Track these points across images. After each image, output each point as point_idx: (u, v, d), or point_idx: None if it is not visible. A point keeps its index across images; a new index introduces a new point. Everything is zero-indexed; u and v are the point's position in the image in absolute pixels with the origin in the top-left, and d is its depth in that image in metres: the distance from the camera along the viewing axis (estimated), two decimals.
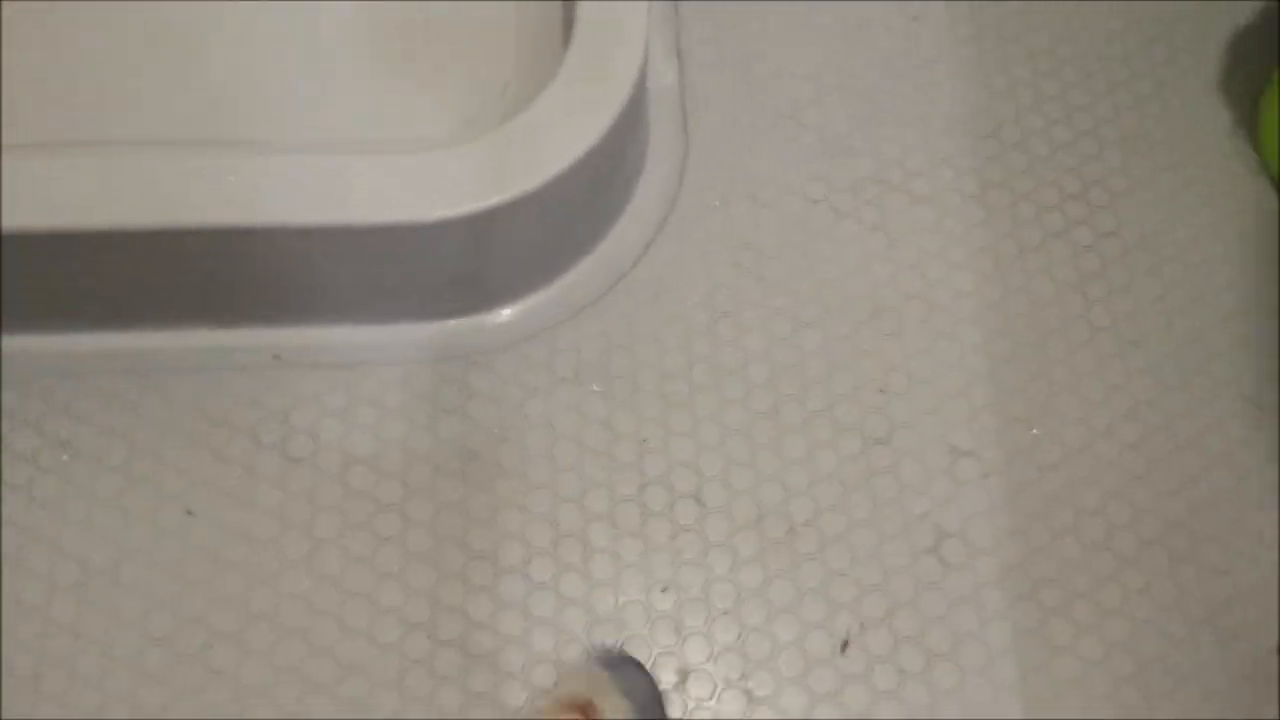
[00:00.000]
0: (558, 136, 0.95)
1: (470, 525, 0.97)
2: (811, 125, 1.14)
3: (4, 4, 0.91)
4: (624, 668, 0.90)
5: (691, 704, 0.91)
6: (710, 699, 0.92)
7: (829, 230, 1.10)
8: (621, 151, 1.03)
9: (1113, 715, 0.92)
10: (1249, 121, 1.15)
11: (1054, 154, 1.14)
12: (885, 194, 1.11)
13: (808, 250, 1.09)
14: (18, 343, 1.02)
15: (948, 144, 1.14)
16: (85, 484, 0.98)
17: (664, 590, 0.95)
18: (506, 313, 1.07)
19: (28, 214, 0.90)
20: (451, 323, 1.06)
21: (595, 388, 1.02)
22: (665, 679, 0.92)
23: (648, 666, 0.92)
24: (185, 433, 1.00)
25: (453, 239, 0.96)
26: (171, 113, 1.09)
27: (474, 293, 1.05)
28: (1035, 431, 1.02)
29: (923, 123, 1.15)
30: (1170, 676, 0.93)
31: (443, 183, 0.93)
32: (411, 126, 1.10)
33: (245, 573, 0.95)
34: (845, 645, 0.94)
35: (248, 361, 1.03)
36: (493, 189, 0.93)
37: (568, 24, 1.03)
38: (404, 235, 0.95)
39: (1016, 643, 0.94)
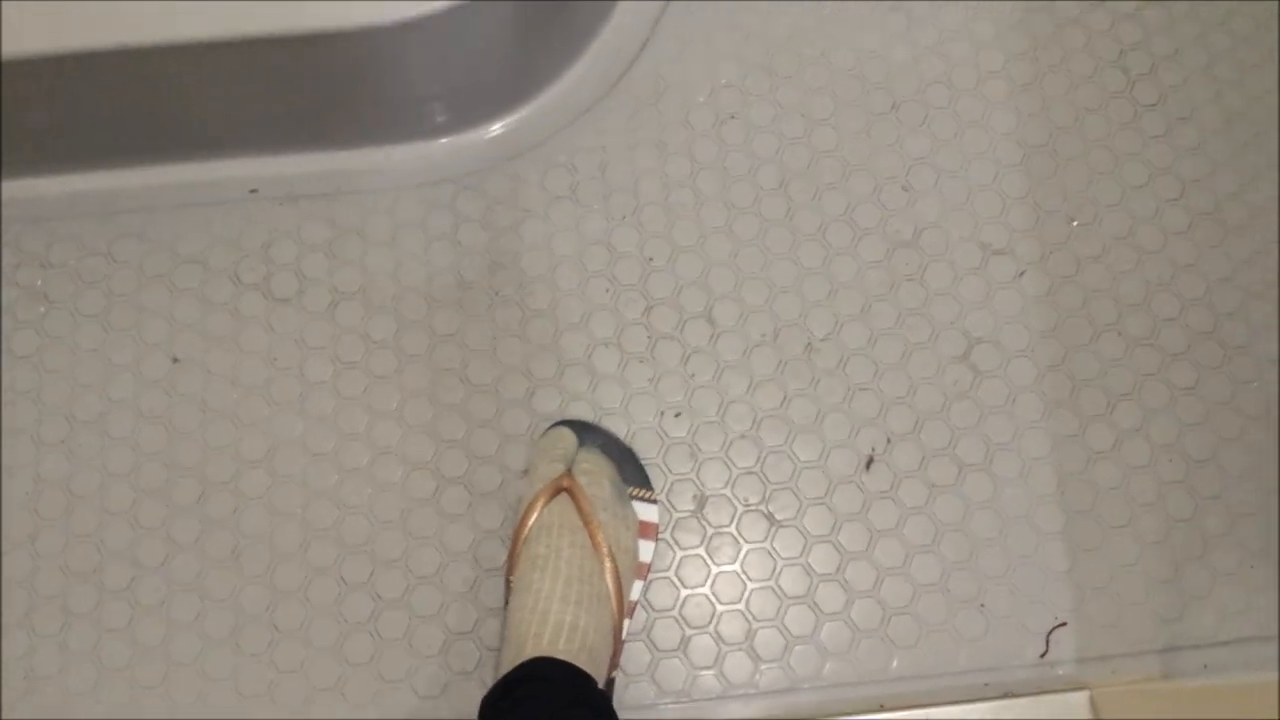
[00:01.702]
0: None
1: (469, 357, 0.91)
2: None
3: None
4: (580, 428, 0.86)
5: (710, 530, 0.87)
6: (730, 524, 0.87)
7: (841, 11, 0.99)
8: None
9: (1159, 521, 0.87)
10: None
11: None
12: None
13: (818, 36, 0.99)
14: None
15: None
16: (65, 335, 0.93)
17: (677, 415, 0.90)
18: (495, 128, 0.98)
19: None
20: (437, 142, 0.98)
21: (594, 204, 0.95)
22: (681, 506, 0.88)
23: (663, 495, 0.88)
24: (163, 276, 0.94)
25: (425, 42, 0.87)
26: None
27: (459, 107, 0.97)
28: (1074, 223, 0.94)
29: None
30: (1222, 477, 0.88)
31: None
32: None
33: (236, 419, 0.90)
34: (870, 462, 0.88)
35: (222, 196, 0.97)
36: None
37: None
38: (373, 41, 0.86)
39: (1054, 450, 0.88)
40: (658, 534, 0.86)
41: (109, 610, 0.86)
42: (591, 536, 0.78)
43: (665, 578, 0.86)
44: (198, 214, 0.96)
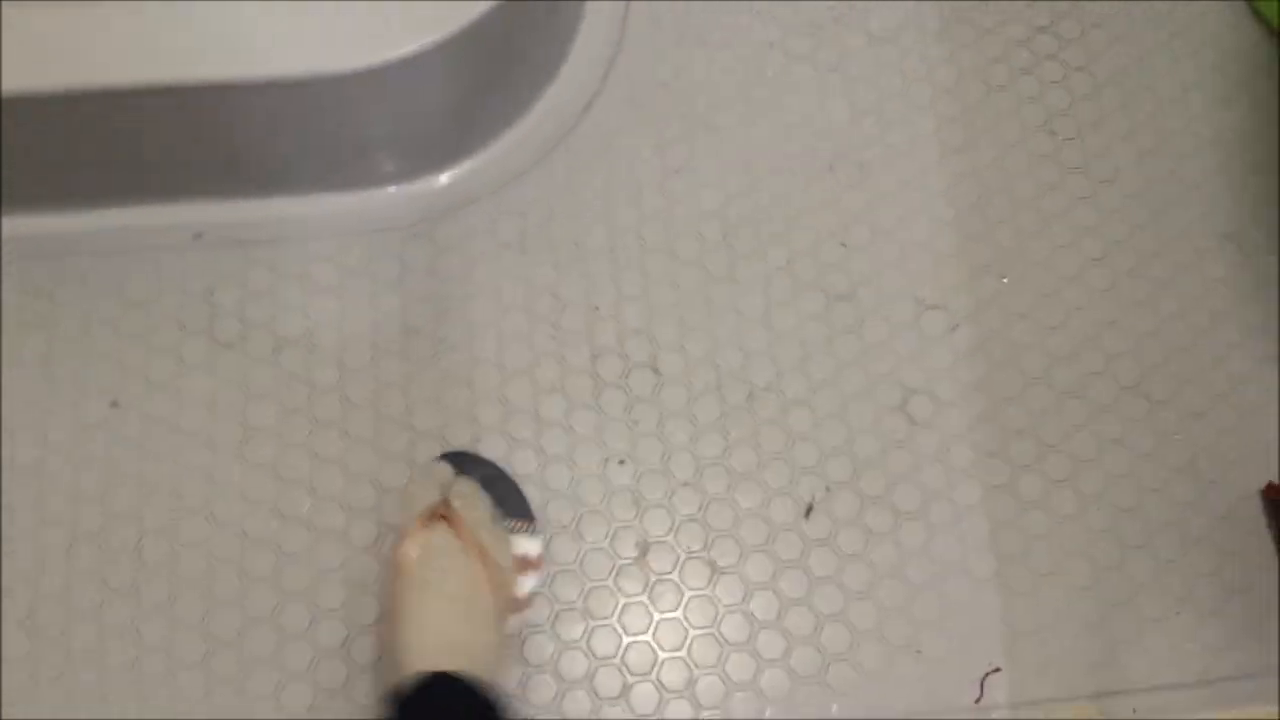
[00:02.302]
0: None
1: (414, 404, 0.92)
2: None
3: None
4: (463, 459, 0.87)
5: (653, 578, 0.88)
6: (672, 571, 0.88)
7: (783, 74, 1.02)
8: None
9: (1087, 568, 0.89)
10: None
11: None
12: (842, 33, 1.04)
13: (762, 97, 1.02)
14: None
15: None
16: (4, 378, 0.91)
17: (621, 463, 0.91)
18: (443, 178, 1.00)
19: None
20: (385, 191, 0.99)
21: (542, 254, 0.96)
22: (624, 553, 0.89)
23: (606, 541, 0.88)
24: (106, 320, 0.94)
25: (371, 93, 0.88)
26: None
27: (406, 156, 0.98)
28: (1004, 279, 0.97)
29: None
30: (1147, 526, 0.91)
31: (357, 30, 0.85)
32: None
33: (175, 464, 0.90)
34: (809, 510, 0.90)
35: (167, 241, 0.96)
36: (409, 34, 0.85)
37: None
38: (318, 89, 0.87)
39: (986, 499, 0.91)
40: (540, 565, 0.86)
41: (44, 657, 0.85)
42: (473, 561, 0.78)
43: (608, 625, 0.87)
44: (144, 258, 0.96)
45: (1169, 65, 1.03)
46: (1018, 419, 0.93)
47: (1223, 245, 0.98)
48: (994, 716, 0.86)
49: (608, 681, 0.85)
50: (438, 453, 0.90)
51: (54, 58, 0.83)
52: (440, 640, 0.74)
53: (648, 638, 0.87)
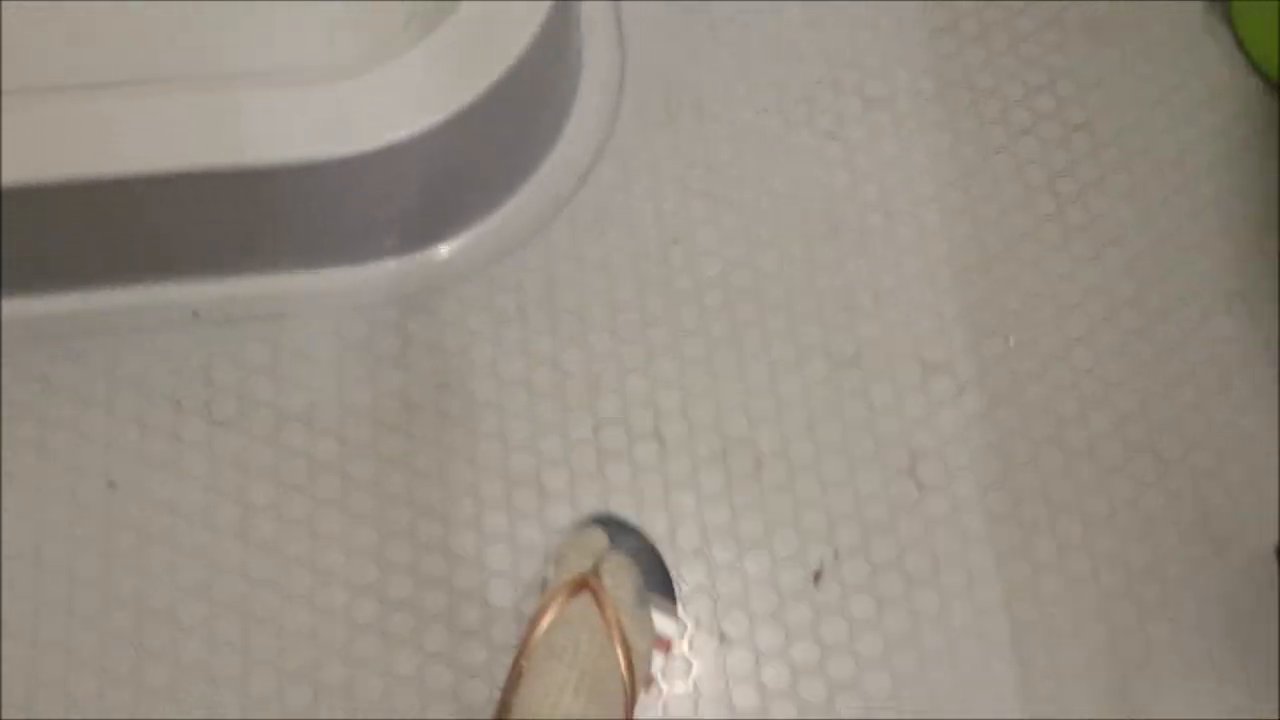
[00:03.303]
0: (476, 55, 0.87)
1: (415, 481, 0.91)
2: (756, 29, 1.06)
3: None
4: (616, 527, 0.86)
5: (663, 654, 0.86)
6: (682, 642, 0.86)
7: (781, 141, 1.03)
8: (551, 65, 0.96)
9: (1103, 632, 0.87)
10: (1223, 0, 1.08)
11: (1016, 45, 1.06)
12: (838, 100, 1.04)
13: (760, 164, 1.02)
14: None
15: (901, 42, 1.06)
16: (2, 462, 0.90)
17: None
18: (443, 250, 0.99)
19: None
20: (383, 264, 0.99)
21: (542, 326, 0.96)
22: None
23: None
24: (101, 401, 0.93)
25: (373, 174, 0.89)
26: (53, 56, 1.00)
27: (405, 231, 0.98)
28: (1010, 341, 0.96)
29: (874, 21, 1.07)
30: (1163, 587, 0.89)
31: (355, 114, 0.86)
32: (312, 54, 1.01)
33: (174, 546, 0.88)
34: (818, 576, 0.88)
35: (163, 320, 0.96)
36: (409, 117, 0.85)
37: None
38: (319, 173, 0.87)
39: (999, 563, 0.89)
40: (669, 649, 0.85)
41: None
42: (610, 638, 0.77)
43: None
44: (138, 338, 0.95)
45: (1169, 122, 1.04)
46: (1028, 481, 0.91)
47: (1230, 303, 0.97)
48: None
49: None
50: (440, 531, 0.88)
51: (53, 147, 0.84)
52: (555, 713, 0.72)
53: (658, 713, 0.84)
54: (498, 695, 0.83)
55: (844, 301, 0.97)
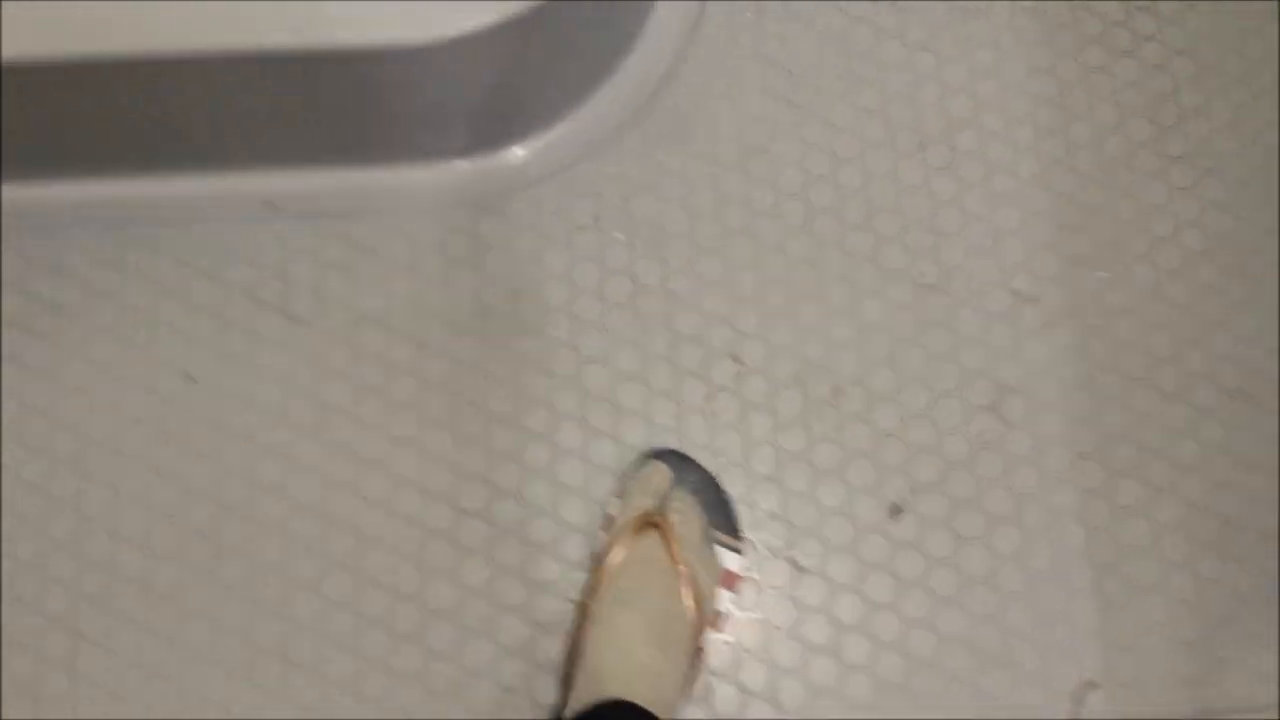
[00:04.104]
0: None
1: (490, 387, 0.90)
2: None
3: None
4: (679, 462, 0.85)
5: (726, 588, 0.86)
6: (753, 569, 0.86)
7: (870, 50, 0.98)
8: None
9: (1189, 582, 0.86)
10: None
11: None
12: (932, 8, 0.99)
13: (847, 74, 0.98)
14: None
15: None
16: (78, 348, 0.90)
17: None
18: (519, 151, 0.97)
19: None
20: (459, 164, 0.97)
21: (618, 235, 0.93)
22: None
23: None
24: (177, 291, 0.92)
25: (447, 65, 0.85)
26: None
27: (482, 129, 0.95)
28: (1101, 274, 0.93)
29: None
30: (1252, 538, 0.87)
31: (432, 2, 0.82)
32: None
33: (251, 442, 0.89)
34: (897, 510, 0.88)
35: (238, 211, 0.94)
36: (491, 4, 0.81)
37: None
38: (393, 61, 0.84)
39: (1082, 505, 0.88)
40: (736, 584, 0.84)
41: (119, 637, 0.84)
42: (678, 579, 0.76)
43: None
44: (212, 228, 0.94)
45: (1269, 50, 0.98)
46: (1117, 421, 0.90)
47: None
48: None
49: None
50: (514, 440, 0.88)
51: (127, 19, 0.81)
52: (627, 662, 0.72)
53: (729, 637, 0.85)
54: (568, 615, 0.84)
55: (930, 223, 0.94)
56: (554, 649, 0.84)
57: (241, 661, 0.84)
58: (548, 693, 0.83)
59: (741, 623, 0.85)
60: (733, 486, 0.88)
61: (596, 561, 0.79)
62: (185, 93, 0.86)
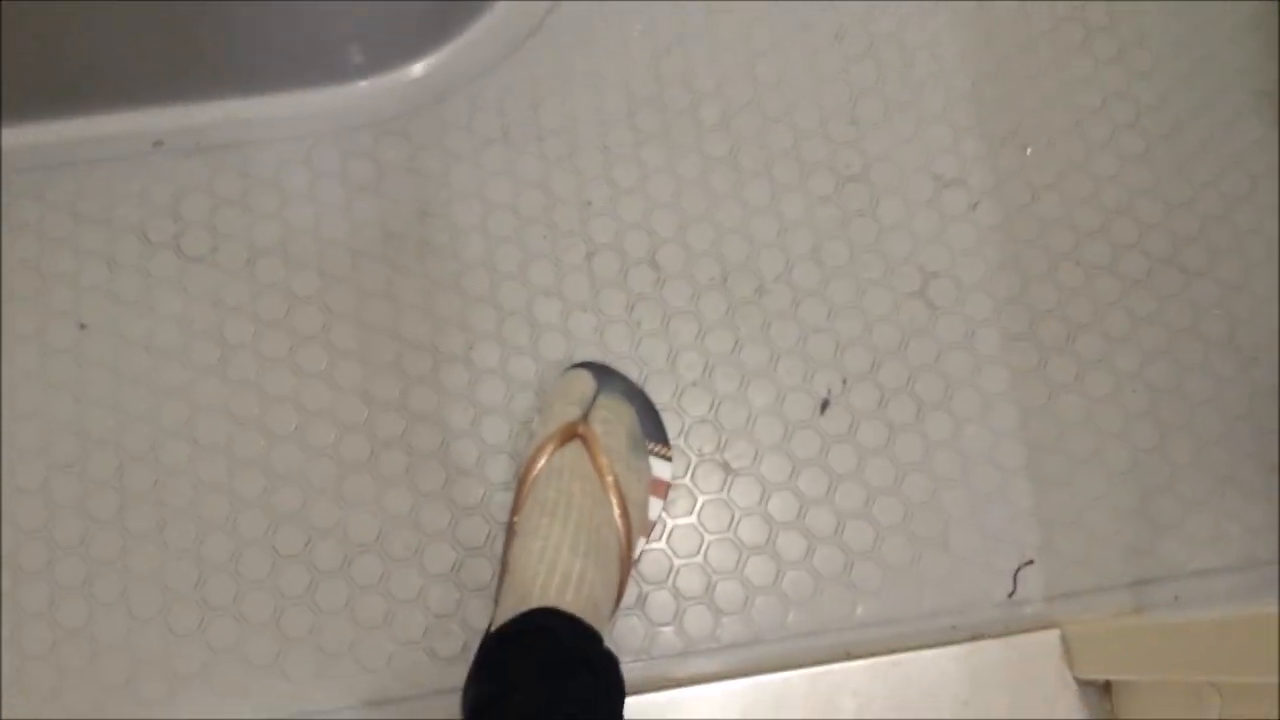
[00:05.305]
0: None
1: (400, 312, 0.86)
2: None
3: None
4: (602, 372, 0.82)
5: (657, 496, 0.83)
6: (685, 475, 0.84)
7: None
8: None
9: (1125, 452, 0.85)
10: None
11: None
12: None
13: None
14: None
15: None
16: None
17: (625, 366, 0.85)
18: (417, 69, 0.92)
19: None
20: (355, 86, 0.92)
21: (527, 147, 0.89)
22: None
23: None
24: (65, 239, 0.87)
25: None
26: None
27: (376, 47, 0.90)
28: (1028, 150, 0.91)
29: None
30: (1186, 405, 0.86)
31: None
32: None
33: (152, 386, 0.84)
34: (825, 404, 0.85)
35: (125, 151, 0.90)
36: None
37: None
38: None
39: (1015, 385, 0.86)
40: (668, 491, 0.81)
41: (27, 593, 0.80)
42: (604, 488, 0.74)
43: None
44: (99, 170, 0.89)
45: None
46: (1046, 298, 0.87)
47: (1259, 103, 0.91)
48: (1028, 611, 0.82)
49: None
50: (429, 364, 0.84)
51: None
52: (553, 571, 0.69)
53: (662, 545, 0.82)
54: (495, 537, 0.81)
55: (850, 113, 0.91)
56: (484, 572, 0.81)
57: (156, 607, 0.80)
58: (480, 616, 0.80)
59: (675, 529, 0.83)
60: (659, 394, 0.85)
61: (520, 476, 0.75)
62: (57, 26, 0.81)
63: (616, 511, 0.74)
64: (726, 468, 0.84)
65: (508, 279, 0.87)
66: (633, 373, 0.85)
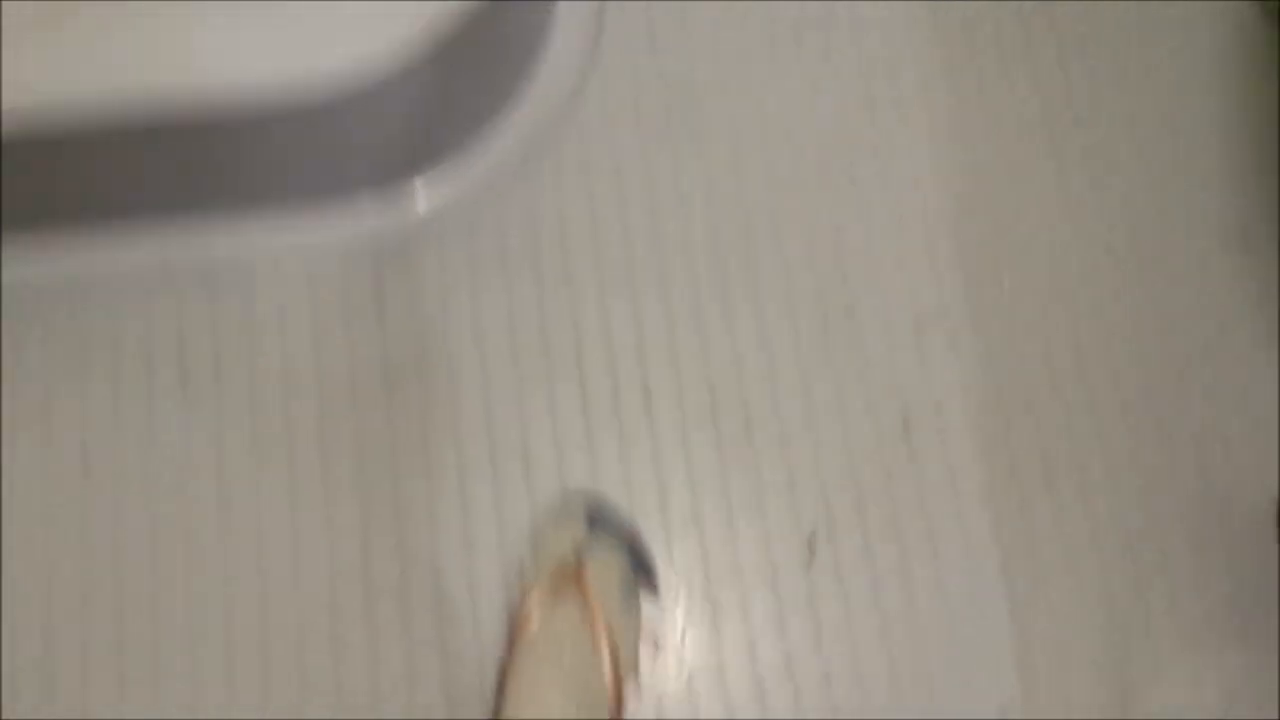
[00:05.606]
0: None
1: (397, 444, 0.87)
2: None
3: None
4: (597, 508, 0.83)
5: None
6: (673, 614, 0.85)
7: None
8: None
9: (1102, 601, 0.86)
10: None
11: None
12: (831, 21, 0.98)
13: (743, 103, 0.96)
14: None
15: None
16: None
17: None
18: (419, 198, 0.94)
19: None
20: (358, 212, 0.94)
21: (523, 274, 0.91)
22: None
23: None
24: (71, 364, 0.89)
25: (347, 112, 0.82)
26: None
27: (378, 176, 0.92)
28: (1005, 284, 0.93)
29: None
30: (1161, 551, 0.87)
31: (331, 43, 0.78)
32: None
33: (153, 527, 0.86)
34: (812, 546, 0.86)
35: (131, 275, 0.91)
36: (384, 50, 0.78)
37: None
38: (283, 120, 0.81)
39: (996, 529, 0.87)
40: (658, 632, 0.83)
41: None
42: (596, 640, 0.75)
43: None
44: (106, 295, 0.90)
45: (1171, 58, 0.99)
46: (1024, 438, 0.89)
47: (1228, 241, 0.94)
48: None
49: None
50: (425, 501, 0.86)
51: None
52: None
53: (650, 687, 0.84)
54: (487, 680, 0.82)
55: (835, 245, 0.93)
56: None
57: None
58: None
59: (662, 673, 0.84)
60: (649, 526, 0.86)
61: (514, 619, 0.77)
62: (71, 158, 0.82)
63: (607, 660, 0.75)
64: (716, 605, 0.85)
65: (502, 409, 0.88)
66: (623, 503, 0.86)
